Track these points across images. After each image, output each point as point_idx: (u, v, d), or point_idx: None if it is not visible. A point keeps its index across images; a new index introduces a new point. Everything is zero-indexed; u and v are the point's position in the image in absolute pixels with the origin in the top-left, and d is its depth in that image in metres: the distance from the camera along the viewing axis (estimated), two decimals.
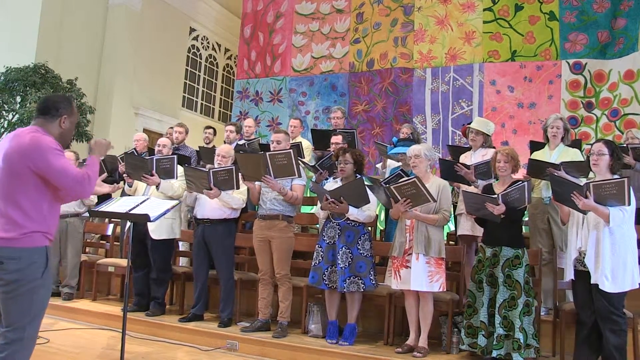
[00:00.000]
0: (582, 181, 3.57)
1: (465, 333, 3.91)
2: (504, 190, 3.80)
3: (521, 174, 4.29)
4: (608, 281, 3.39)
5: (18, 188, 2.38)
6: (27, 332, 2.38)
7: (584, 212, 3.52)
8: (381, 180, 4.71)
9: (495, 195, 3.78)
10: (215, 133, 6.87)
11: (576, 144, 5.09)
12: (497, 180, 4.28)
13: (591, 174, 4.10)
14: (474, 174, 4.48)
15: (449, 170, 4.52)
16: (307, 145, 6.43)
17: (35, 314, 2.41)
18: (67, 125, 2.59)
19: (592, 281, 3.44)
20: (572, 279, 3.66)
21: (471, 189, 4.50)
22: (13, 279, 2.33)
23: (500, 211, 3.73)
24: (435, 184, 4.10)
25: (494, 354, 3.67)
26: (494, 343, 3.68)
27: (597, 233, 3.47)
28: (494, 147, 4.94)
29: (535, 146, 4.89)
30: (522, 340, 3.64)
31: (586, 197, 3.39)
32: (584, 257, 3.52)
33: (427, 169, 4.19)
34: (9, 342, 2.34)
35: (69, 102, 2.62)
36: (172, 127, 7.11)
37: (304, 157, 5.88)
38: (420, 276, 3.93)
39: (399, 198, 3.94)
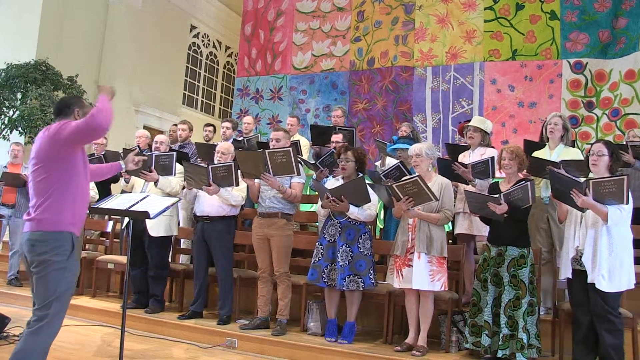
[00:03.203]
0: (582, 179, 3.56)
1: (469, 332, 3.91)
2: (507, 190, 3.80)
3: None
4: (605, 280, 3.39)
5: (47, 178, 2.68)
6: (52, 310, 2.61)
7: (582, 210, 3.52)
8: (380, 173, 4.71)
9: (497, 195, 3.78)
10: (215, 130, 6.87)
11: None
12: (494, 179, 4.28)
13: (590, 174, 4.10)
14: (472, 173, 4.47)
15: (447, 170, 4.52)
16: (305, 143, 6.43)
17: (60, 294, 2.65)
18: (81, 117, 2.85)
19: (589, 280, 3.44)
20: (568, 278, 3.66)
21: (470, 187, 4.50)
22: (41, 260, 2.62)
23: (503, 211, 3.72)
24: (437, 182, 4.10)
25: (500, 354, 3.67)
26: (499, 343, 3.68)
27: (595, 232, 3.47)
28: (492, 147, 4.93)
29: (529, 145, 4.87)
30: (525, 340, 3.64)
31: (585, 195, 3.39)
32: (581, 256, 3.52)
33: (429, 168, 4.19)
34: (37, 319, 2.60)
35: (78, 98, 3.01)
36: (175, 125, 7.11)
37: (302, 155, 5.87)
38: (422, 275, 3.93)
39: (401, 196, 3.94)
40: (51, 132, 2.71)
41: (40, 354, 2.60)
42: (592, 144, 3.70)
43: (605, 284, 3.39)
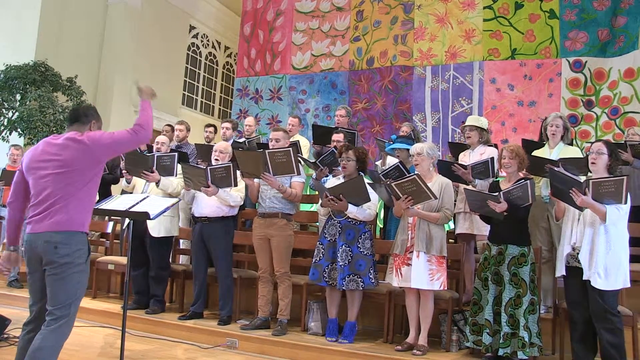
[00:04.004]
0: (582, 178, 3.58)
1: (470, 330, 3.91)
2: (506, 188, 3.80)
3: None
4: (601, 278, 3.40)
5: (75, 184, 2.73)
6: (72, 309, 2.75)
7: (581, 209, 3.52)
8: (380, 172, 4.72)
9: (497, 194, 3.78)
10: (216, 131, 6.86)
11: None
12: (496, 179, 4.28)
13: (590, 173, 4.10)
14: (472, 173, 4.48)
15: (447, 171, 4.53)
16: (304, 143, 6.42)
17: (79, 295, 2.78)
18: (95, 129, 2.92)
19: (584, 277, 3.45)
20: (564, 276, 3.66)
21: (470, 188, 4.50)
22: (64, 262, 2.67)
23: (502, 209, 3.73)
24: (437, 182, 4.10)
25: (501, 352, 3.67)
26: (500, 341, 3.68)
27: (593, 230, 3.48)
28: (492, 145, 4.93)
29: (528, 144, 4.87)
30: (526, 339, 3.64)
31: (585, 194, 3.40)
32: (577, 253, 3.53)
33: (430, 167, 4.19)
34: (56, 318, 2.68)
35: (95, 110, 3.02)
36: (168, 125, 7.10)
37: (302, 155, 5.86)
38: (421, 274, 3.94)
39: (400, 195, 3.94)
40: (86, 142, 2.75)
41: (59, 351, 2.71)
42: (592, 143, 3.71)
43: (601, 282, 3.40)
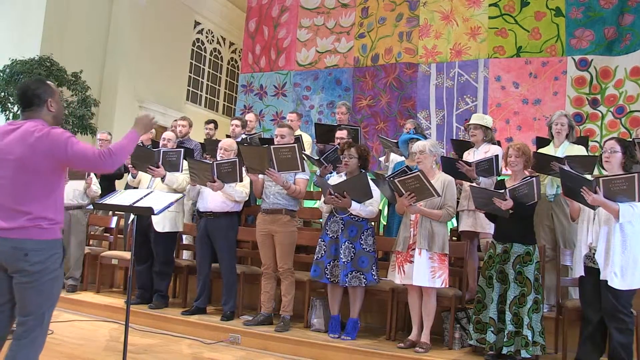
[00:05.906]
0: (588, 177, 3.55)
1: (473, 328, 3.91)
2: (512, 185, 3.79)
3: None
4: (617, 278, 3.36)
5: (37, 185, 2.43)
6: (46, 319, 2.48)
7: (594, 208, 3.50)
8: (386, 175, 4.71)
9: (503, 191, 3.77)
10: (216, 127, 6.83)
11: (582, 141, 5.06)
12: (499, 177, 4.27)
13: (596, 171, 4.08)
14: (476, 171, 4.47)
15: (451, 168, 4.52)
16: (307, 139, 6.41)
17: (53, 302, 2.52)
18: (55, 106, 2.57)
19: (602, 277, 3.41)
20: (579, 275, 3.64)
21: (475, 185, 4.49)
22: (36, 270, 2.40)
23: (508, 206, 3.71)
24: (440, 179, 4.10)
25: (504, 350, 3.67)
26: (504, 340, 3.68)
27: (608, 229, 3.44)
28: (495, 143, 4.92)
29: (540, 142, 4.86)
30: (529, 337, 3.64)
31: (595, 193, 3.37)
32: (594, 253, 3.50)
33: (432, 165, 4.19)
34: (29, 329, 2.42)
35: (45, 84, 2.59)
36: (176, 120, 7.10)
37: (305, 152, 5.86)
38: (423, 271, 3.93)
39: (403, 192, 3.94)
40: (45, 146, 2.41)
41: None
42: (605, 141, 3.67)
43: (617, 282, 3.36)
